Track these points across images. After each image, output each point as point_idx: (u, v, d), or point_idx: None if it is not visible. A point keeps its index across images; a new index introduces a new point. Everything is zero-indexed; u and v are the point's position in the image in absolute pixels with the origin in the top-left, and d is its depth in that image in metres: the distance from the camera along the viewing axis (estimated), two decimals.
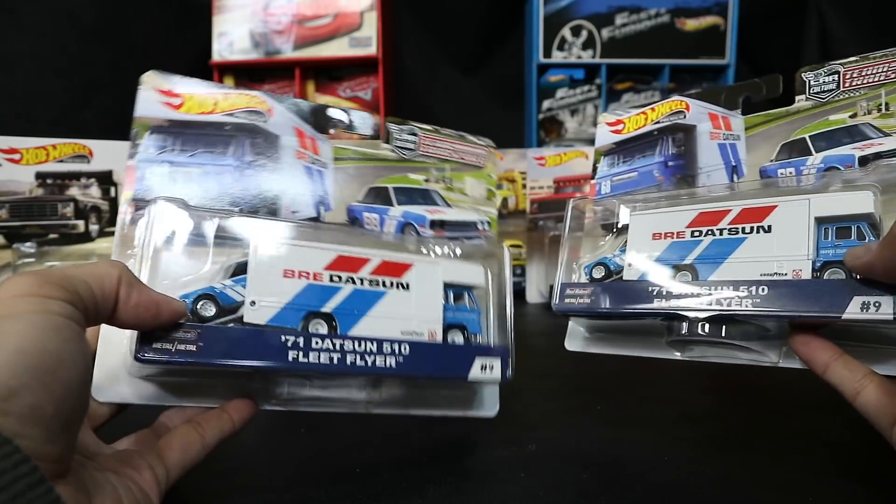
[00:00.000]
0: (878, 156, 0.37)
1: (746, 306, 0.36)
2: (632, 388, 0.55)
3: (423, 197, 0.44)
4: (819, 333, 0.35)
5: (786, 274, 0.36)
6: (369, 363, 0.34)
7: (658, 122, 0.49)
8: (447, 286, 0.39)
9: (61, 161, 0.74)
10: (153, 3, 1.26)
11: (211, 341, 0.31)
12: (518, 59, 1.42)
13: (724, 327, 0.38)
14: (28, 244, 0.71)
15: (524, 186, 0.98)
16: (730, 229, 0.39)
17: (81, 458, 0.26)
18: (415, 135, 0.42)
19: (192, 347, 0.30)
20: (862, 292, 0.32)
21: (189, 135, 0.37)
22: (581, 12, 1.29)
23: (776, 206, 0.38)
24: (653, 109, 0.50)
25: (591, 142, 1.39)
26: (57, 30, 1.16)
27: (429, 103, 1.41)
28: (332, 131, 0.41)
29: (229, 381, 0.34)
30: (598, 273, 0.45)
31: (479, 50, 1.41)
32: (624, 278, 0.43)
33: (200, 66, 1.31)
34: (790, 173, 0.41)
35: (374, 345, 0.35)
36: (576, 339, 0.47)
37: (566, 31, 1.30)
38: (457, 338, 0.39)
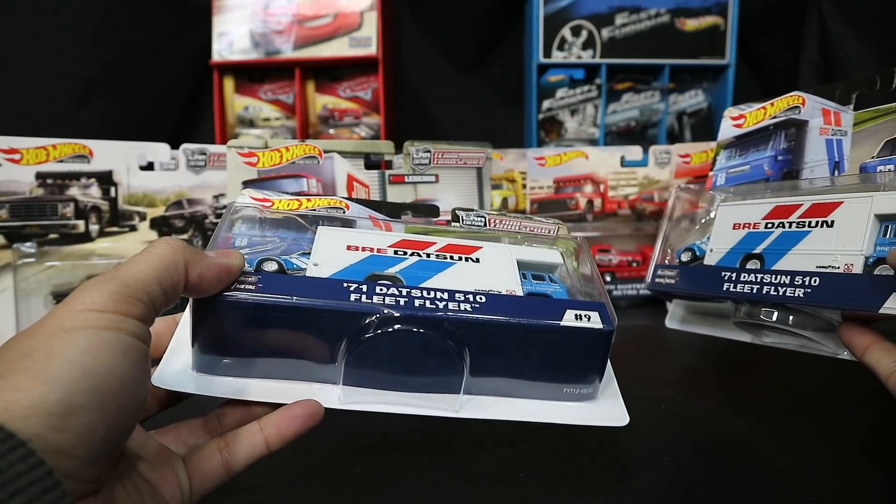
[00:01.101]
0: None
1: (798, 296, 0.38)
2: (632, 388, 0.55)
3: None
4: (866, 324, 0.36)
5: (838, 267, 0.37)
6: (440, 307, 0.31)
7: (775, 117, 0.50)
8: (522, 265, 0.37)
9: (61, 161, 0.73)
10: (153, 3, 1.26)
11: (270, 283, 0.30)
12: (518, 59, 1.42)
13: (776, 313, 0.41)
14: (28, 244, 0.71)
15: (524, 186, 0.98)
16: (798, 222, 0.41)
17: (117, 469, 0.26)
18: None
19: (251, 287, 0.30)
20: None
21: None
22: (581, 12, 1.29)
23: (842, 203, 0.39)
24: (772, 104, 0.51)
25: (592, 142, 1.39)
26: (57, 30, 1.16)
27: (429, 103, 1.41)
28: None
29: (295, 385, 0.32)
30: (686, 257, 0.49)
31: (479, 50, 1.41)
32: (704, 263, 0.46)
33: (200, 66, 1.31)
34: (890, 170, 0.41)
35: (446, 294, 0.32)
36: (674, 319, 0.53)
37: (566, 31, 1.30)
38: None
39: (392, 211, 0.43)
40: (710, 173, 0.55)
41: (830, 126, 0.46)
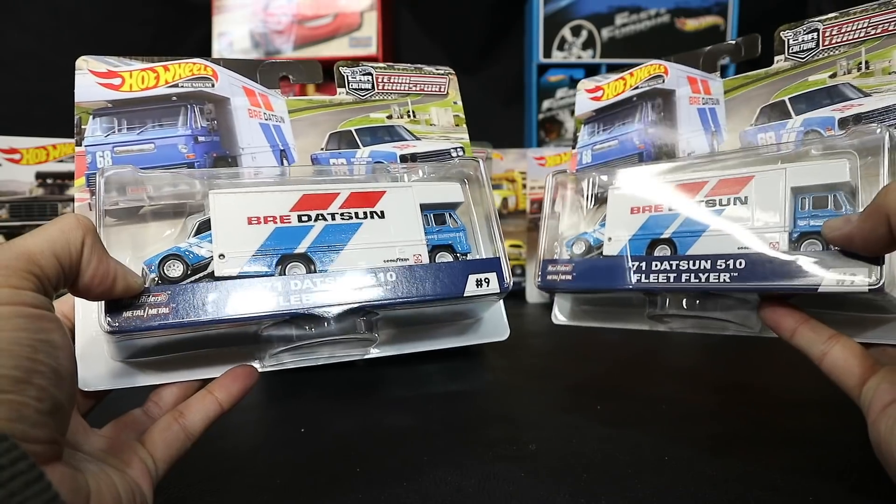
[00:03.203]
0: (858, 117, 0.36)
1: (724, 281, 0.35)
2: (632, 388, 0.55)
3: (390, 134, 0.43)
4: (787, 302, 0.35)
5: (763, 247, 0.35)
6: (354, 298, 0.33)
7: (637, 88, 0.48)
8: (425, 208, 0.38)
9: (61, 161, 0.74)
10: (153, 3, 1.26)
11: (183, 300, 0.29)
12: (518, 59, 1.42)
13: (699, 301, 0.38)
14: None
15: (524, 186, 0.98)
16: (707, 202, 0.38)
17: (72, 451, 0.26)
18: (370, 74, 0.43)
19: (165, 310, 0.29)
20: (837, 265, 0.31)
21: (135, 112, 0.38)
22: (581, 12, 1.29)
23: (752, 177, 0.36)
24: (631, 74, 0.48)
25: None
26: (57, 30, 1.16)
27: None
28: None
29: (218, 352, 0.33)
30: (579, 249, 0.44)
31: (479, 50, 1.41)
32: (604, 254, 0.42)
33: None
34: (770, 137, 0.40)
35: (357, 274, 0.34)
36: (562, 313, 0.47)
37: (566, 31, 1.30)
38: (445, 259, 0.37)
39: (267, 78, 0.41)
40: (573, 150, 0.51)
41: (700, 94, 0.44)
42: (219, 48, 1.30)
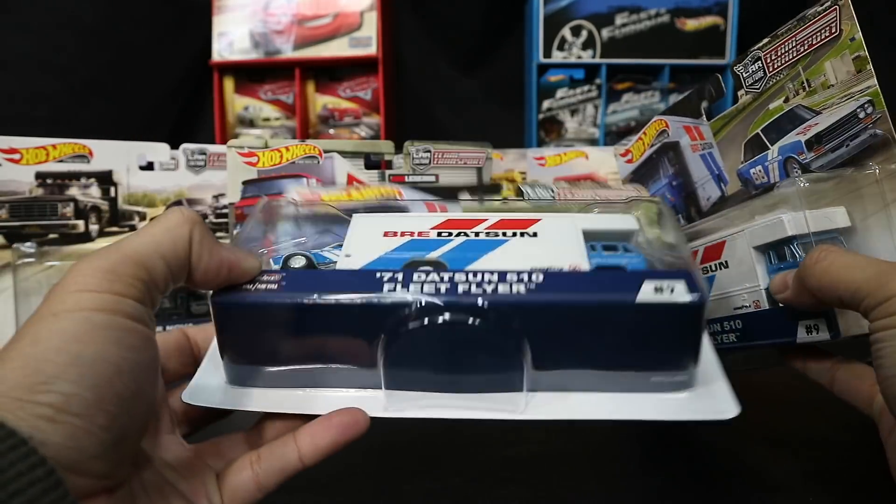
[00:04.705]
0: (820, 136, 0.36)
1: (732, 340, 0.38)
2: None
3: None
4: None
5: (749, 306, 0.37)
6: (488, 291, 0.26)
7: (653, 145, 0.50)
8: (590, 236, 0.32)
9: (61, 161, 0.73)
10: (153, 3, 1.26)
11: (295, 281, 0.28)
12: (518, 59, 1.42)
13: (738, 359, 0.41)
14: (28, 244, 0.71)
15: None
16: (703, 268, 0.41)
17: (146, 460, 0.25)
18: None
19: (274, 287, 0.27)
20: (804, 316, 0.33)
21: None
22: (581, 12, 1.29)
23: (724, 241, 0.39)
24: (645, 133, 0.51)
25: (592, 142, 1.39)
26: (57, 30, 1.16)
27: (429, 103, 1.41)
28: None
29: (336, 393, 0.30)
30: None
31: (479, 50, 1.41)
32: None
33: (200, 66, 1.31)
34: (760, 171, 0.41)
35: (495, 275, 0.27)
36: None
37: (566, 31, 1.30)
38: None
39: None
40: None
41: (697, 141, 0.46)
42: (219, 48, 1.30)
